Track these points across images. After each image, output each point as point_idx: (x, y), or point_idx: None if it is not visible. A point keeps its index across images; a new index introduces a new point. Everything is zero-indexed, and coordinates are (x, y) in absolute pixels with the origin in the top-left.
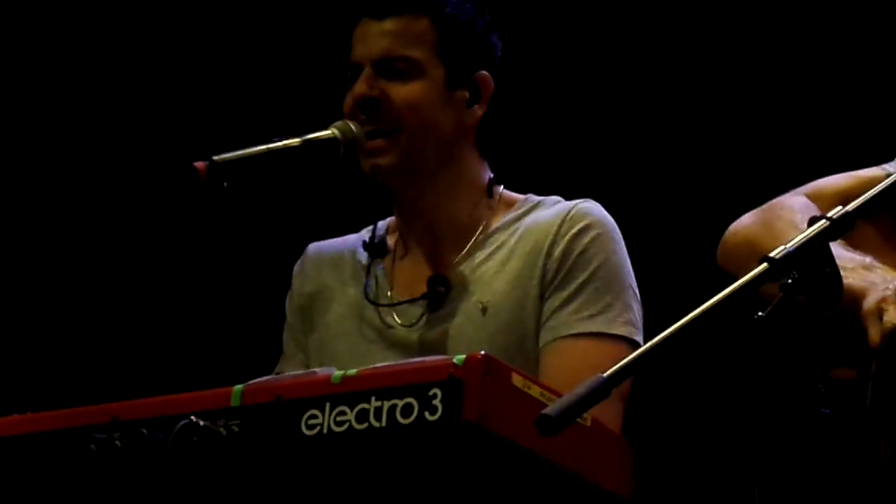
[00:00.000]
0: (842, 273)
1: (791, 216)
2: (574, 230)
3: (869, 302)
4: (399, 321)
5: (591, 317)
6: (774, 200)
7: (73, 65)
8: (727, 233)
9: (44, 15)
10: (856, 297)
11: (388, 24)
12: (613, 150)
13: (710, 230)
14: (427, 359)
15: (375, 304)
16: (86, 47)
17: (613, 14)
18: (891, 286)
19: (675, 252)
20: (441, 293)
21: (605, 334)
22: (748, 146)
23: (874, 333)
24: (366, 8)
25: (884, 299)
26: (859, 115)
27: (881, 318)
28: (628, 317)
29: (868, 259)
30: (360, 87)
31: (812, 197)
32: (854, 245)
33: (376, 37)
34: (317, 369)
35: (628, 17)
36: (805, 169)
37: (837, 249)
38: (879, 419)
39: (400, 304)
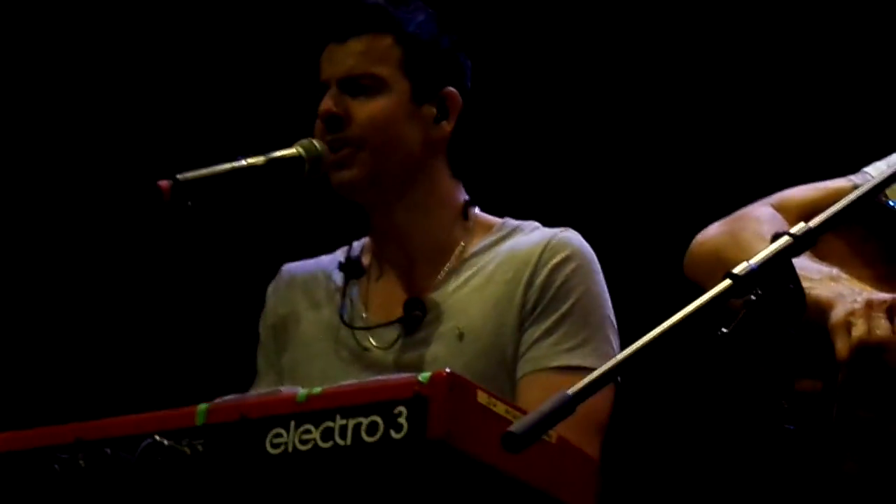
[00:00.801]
0: (809, 284)
1: (757, 227)
2: (555, 261)
3: (837, 314)
4: (375, 344)
5: (570, 350)
6: (741, 211)
7: (41, 84)
8: (693, 243)
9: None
10: (823, 309)
11: (352, 45)
12: (586, 170)
13: (682, 244)
14: (392, 376)
15: (351, 326)
16: (52, 66)
17: (590, 34)
18: (859, 298)
19: (649, 270)
20: (417, 317)
21: (582, 368)
22: (719, 162)
23: (842, 346)
24: (330, 34)
25: (852, 312)
26: (825, 127)
27: (849, 332)
28: (606, 350)
29: (835, 270)
30: (325, 104)
31: (778, 208)
32: (821, 257)
33: (341, 56)
34: (282, 388)
35: (605, 36)
36: (771, 180)
37: (804, 261)
38: (845, 433)
39: (376, 327)
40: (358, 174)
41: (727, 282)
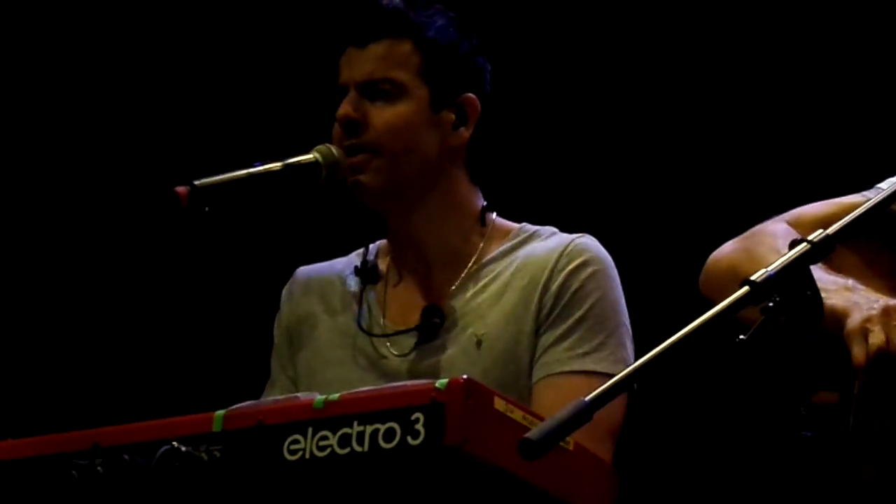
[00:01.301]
0: (824, 294)
1: (773, 242)
2: (571, 266)
3: (853, 321)
4: (393, 351)
5: (585, 354)
6: (756, 227)
7: (61, 90)
8: (709, 260)
9: (29, 36)
10: (839, 318)
11: (372, 50)
12: (605, 177)
13: (699, 251)
14: (409, 383)
15: (369, 333)
16: (72, 72)
17: (607, 41)
18: (875, 306)
19: (666, 276)
20: (435, 324)
21: (597, 373)
22: (735, 176)
23: (859, 353)
24: (349, 37)
25: (868, 319)
26: (840, 143)
27: (866, 339)
28: (621, 355)
29: (850, 281)
30: (343, 108)
31: (793, 224)
32: (836, 271)
33: (360, 61)
34: (299, 394)
35: (621, 45)
36: (787, 195)
37: (819, 273)
38: (862, 441)
39: (394, 334)
40: (374, 180)
41: (745, 288)
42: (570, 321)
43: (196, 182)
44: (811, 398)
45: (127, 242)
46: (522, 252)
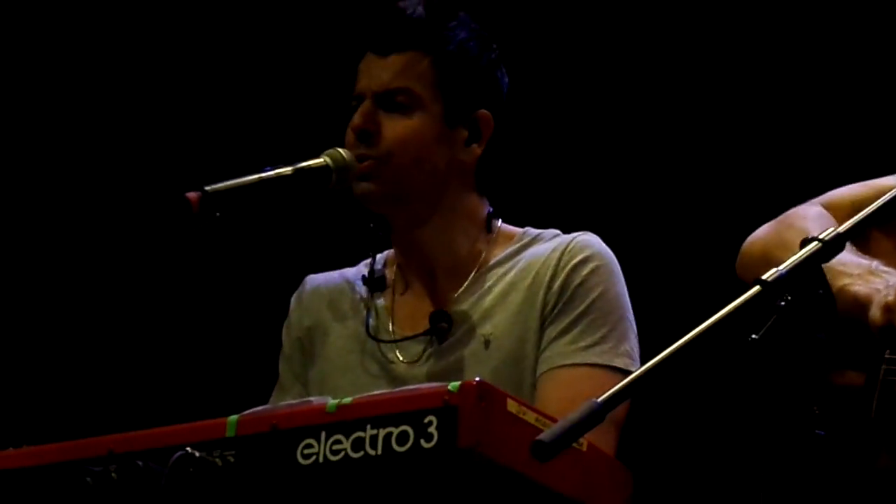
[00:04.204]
0: (849, 280)
1: (804, 225)
2: (573, 262)
3: (874, 313)
4: (401, 357)
5: (588, 347)
6: (790, 211)
7: (73, 95)
8: (744, 245)
9: (38, 36)
10: (863, 305)
11: (392, 60)
12: (610, 182)
13: (704, 259)
14: (422, 386)
15: (377, 339)
16: (83, 78)
17: (609, 45)
18: (891, 290)
19: (671, 281)
20: (443, 329)
21: (601, 365)
22: (745, 175)
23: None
24: (370, 44)
25: (887, 307)
26: (871, 125)
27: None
28: (625, 348)
29: (875, 263)
30: (357, 118)
31: (827, 206)
32: (870, 255)
33: (379, 70)
34: (312, 398)
35: (624, 48)
36: (814, 184)
37: (846, 255)
38: (882, 428)
39: (402, 340)
40: (379, 188)
41: (756, 288)
42: (573, 315)
43: (207, 188)
44: (836, 379)
45: (139, 248)
46: (526, 254)
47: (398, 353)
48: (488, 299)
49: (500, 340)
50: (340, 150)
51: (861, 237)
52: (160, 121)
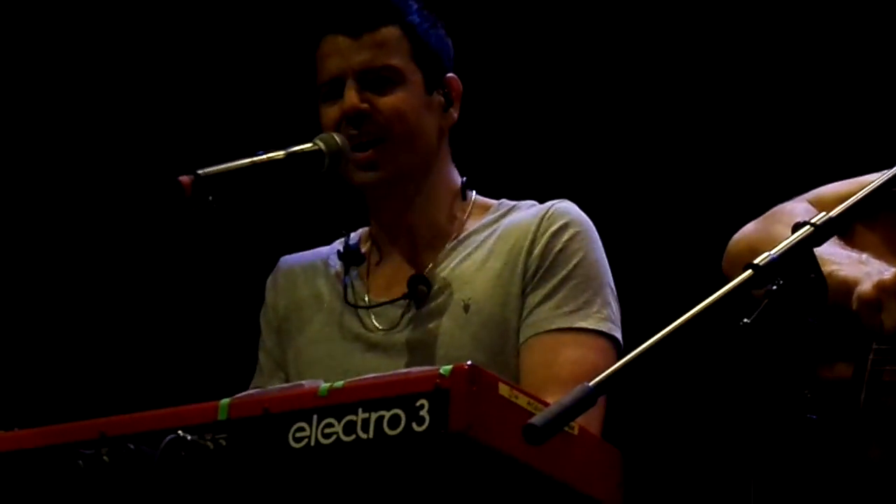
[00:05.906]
0: (836, 267)
1: (791, 221)
2: (553, 228)
3: (864, 288)
4: (378, 325)
5: (571, 312)
6: (776, 207)
7: (63, 82)
8: (731, 242)
9: (32, 30)
10: (850, 287)
11: (366, 39)
12: (586, 153)
13: (686, 233)
14: (413, 370)
15: (354, 305)
16: (73, 65)
17: (587, 12)
18: (887, 273)
19: (652, 256)
20: (423, 292)
21: (584, 329)
22: (729, 148)
23: (888, 319)
24: (338, 26)
25: (880, 284)
26: (860, 122)
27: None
28: (607, 313)
29: (864, 256)
30: (349, 99)
31: (814, 202)
32: (856, 249)
33: (354, 50)
34: (304, 382)
35: (603, 14)
36: (803, 176)
37: (833, 248)
38: (872, 420)
39: (379, 305)
40: (385, 175)
41: (748, 272)
42: (555, 280)
43: (200, 171)
44: (825, 372)
45: (132, 233)
46: (504, 221)
47: (375, 321)
48: (467, 265)
49: (480, 305)
50: (334, 134)
51: (846, 232)
52: (152, 106)
